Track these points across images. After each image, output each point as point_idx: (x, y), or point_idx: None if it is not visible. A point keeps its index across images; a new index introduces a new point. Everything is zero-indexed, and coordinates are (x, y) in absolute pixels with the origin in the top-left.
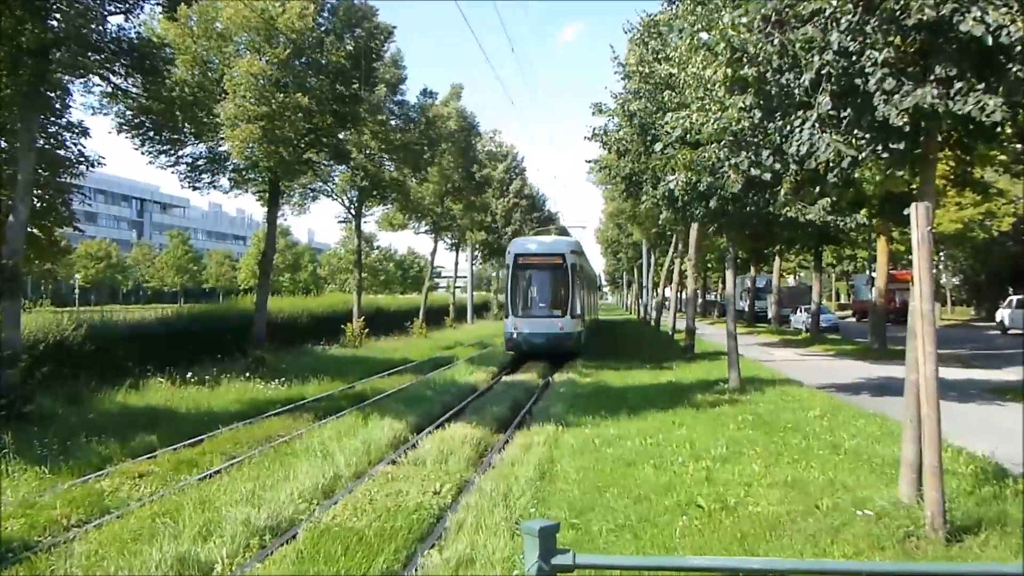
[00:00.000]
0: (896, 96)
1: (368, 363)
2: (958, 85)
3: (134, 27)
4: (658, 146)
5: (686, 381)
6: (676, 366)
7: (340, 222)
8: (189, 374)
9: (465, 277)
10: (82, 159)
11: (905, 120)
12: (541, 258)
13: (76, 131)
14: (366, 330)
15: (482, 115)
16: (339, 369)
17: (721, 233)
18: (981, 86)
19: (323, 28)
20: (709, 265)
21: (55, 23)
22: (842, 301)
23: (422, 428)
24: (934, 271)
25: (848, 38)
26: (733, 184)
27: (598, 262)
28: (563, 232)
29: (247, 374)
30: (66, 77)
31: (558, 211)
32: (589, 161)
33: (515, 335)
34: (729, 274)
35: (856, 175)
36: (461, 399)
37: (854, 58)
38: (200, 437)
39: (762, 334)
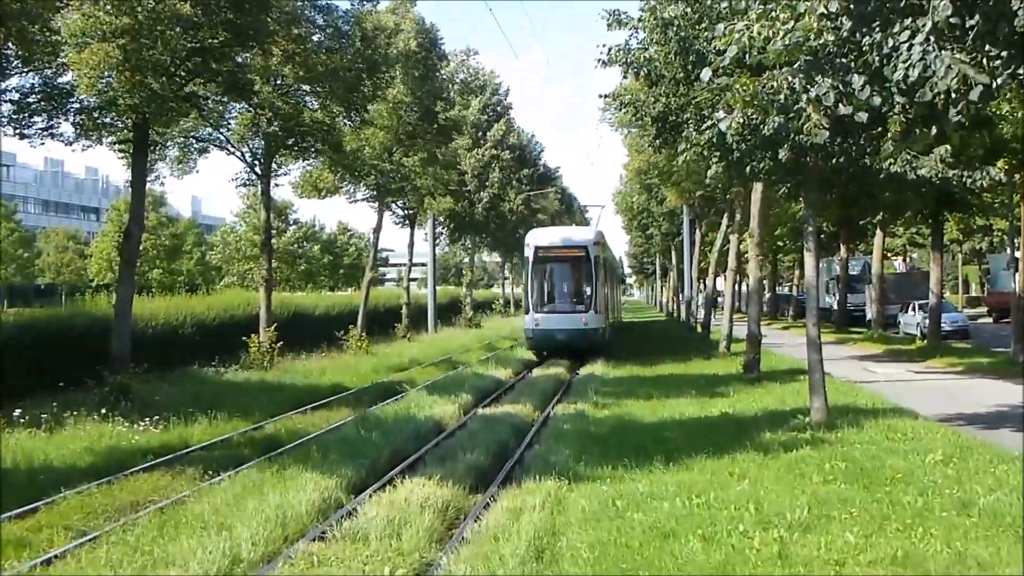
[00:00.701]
0: None
1: (283, 392)
2: None
3: None
4: (705, 72)
5: (748, 412)
6: (733, 390)
7: (240, 186)
8: (16, 412)
9: (424, 264)
10: None
11: None
12: (563, 250)
13: None
14: (279, 344)
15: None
16: (240, 402)
17: (797, 196)
18: None
19: None
20: (780, 244)
21: None
22: (972, 293)
23: (363, 487)
24: None
25: None
26: (812, 126)
27: (619, 243)
28: (567, 201)
29: (103, 410)
30: None
31: (558, 168)
32: (604, 96)
33: (536, 331)
34: (809, 257)
35: (990, 110)
36: (420, 443)
37: None
38: (34, 504)
39: (858, 342)
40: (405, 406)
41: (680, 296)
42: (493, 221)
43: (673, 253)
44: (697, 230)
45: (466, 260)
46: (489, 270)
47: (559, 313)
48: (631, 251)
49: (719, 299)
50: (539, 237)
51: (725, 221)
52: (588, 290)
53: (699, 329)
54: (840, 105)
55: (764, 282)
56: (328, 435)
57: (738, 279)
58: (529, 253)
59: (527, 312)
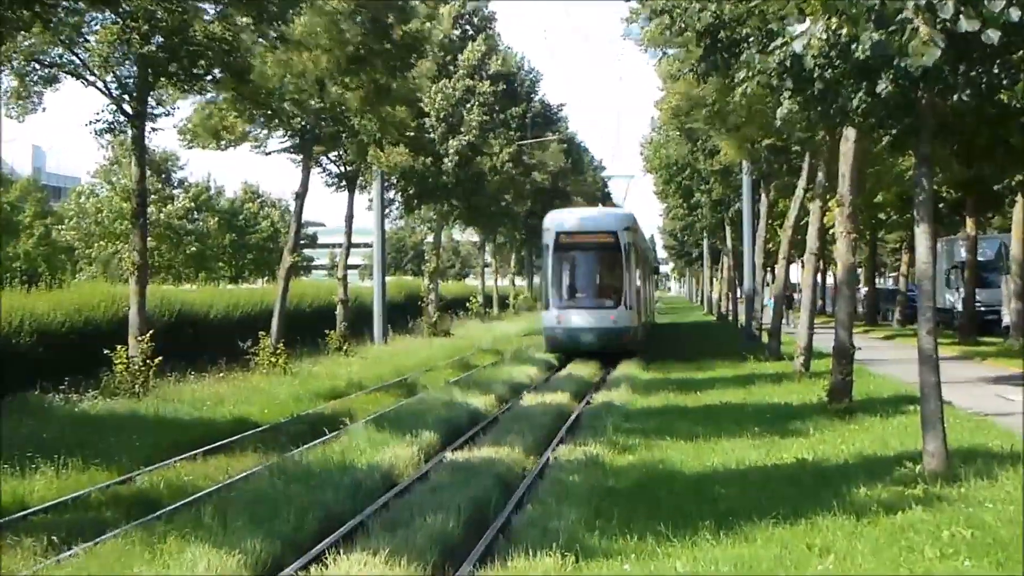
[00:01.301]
0: None
1: (163, 429)
2: None
3: None
4: None
5: (834, 459)
6: (814, 426)
7: (102, 132)
8: None
9: (369, 246)
10: None
11: None
12: (589, 236)
13: None
14: (157, 359)
15: None
16: (101, 443)
17: (905, 148)
18: None
19: None
20: (880, 217)
21: None
22: None
23: (279, 566)
24: None
25: None
26: (922, 46)
27: (649, 217)
28: (577, 154)
29: None
30: None
31: (562, 107)
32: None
33: (558, 330)
34: (922, 235)
35: None
36: (362, 502)
37: None
38: None
39: (991, 358)
40: (341, 450)
41: (737, 291)
42: (468, 183)
43: (727, 230)
44: (762, 196)
45: (429, 240)
46: (462, 254)
47: (584, 309)
48: (667, 227)
49: (794, 296)
50: (560, 220)
51: (802, 183)
52: (618, 283)
53: (765, 338)
54: (962, 18)
55: (858, 272)
56: (229, 491)
57: (821, 267)
58: (549, 239)
59: (546, 308)
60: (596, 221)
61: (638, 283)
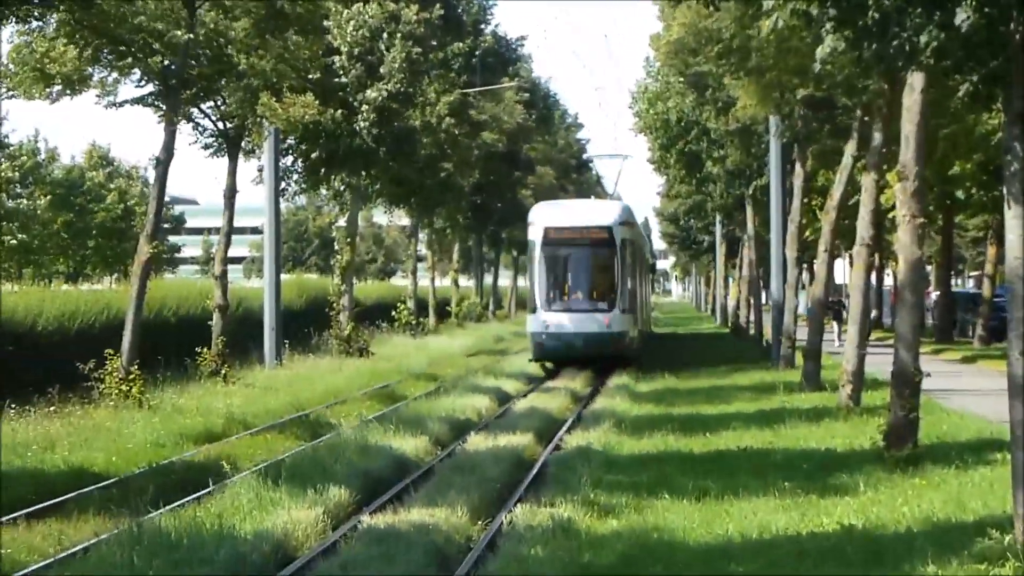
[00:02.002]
0: None
1: None
2: None
3: None
4: None
5: (893, 525)
6: (865, 481)
7: None
8: None
9: (259, 232)
10: None
11: None
12: (580, 232)
13: None
14: None
15: None
16: None
17: (991, 100)
18: None
19: None
20: (958, 196)
21: None
22: None
23: None
24: None
25: None
26: None
27: (643, 197)
28: (547, 106)
29: None
30: None
31: (522, 41)
32: None
33: (545, 336)
34: (1016, 219)
35: None
36: None
37: None
38: None
39: None
40: (218, 512)
41: (760, 295)
42: (393, 146)
43: (748, 212)
44: (796, 166)
45: (341, 224)
46: (387, 244)
47: (576, 312)
48: (665, 209)
49: (842, 302)
50: (548, 215)
51: (851, 149)
52: (613, 283)
53: (799, 360)
54: None
55: (927, 270)
56: (63, 570)
57: (876, 263)
58: (536, 235)
59: (532, 311)
60: (589, 215)
61: (635, 284)
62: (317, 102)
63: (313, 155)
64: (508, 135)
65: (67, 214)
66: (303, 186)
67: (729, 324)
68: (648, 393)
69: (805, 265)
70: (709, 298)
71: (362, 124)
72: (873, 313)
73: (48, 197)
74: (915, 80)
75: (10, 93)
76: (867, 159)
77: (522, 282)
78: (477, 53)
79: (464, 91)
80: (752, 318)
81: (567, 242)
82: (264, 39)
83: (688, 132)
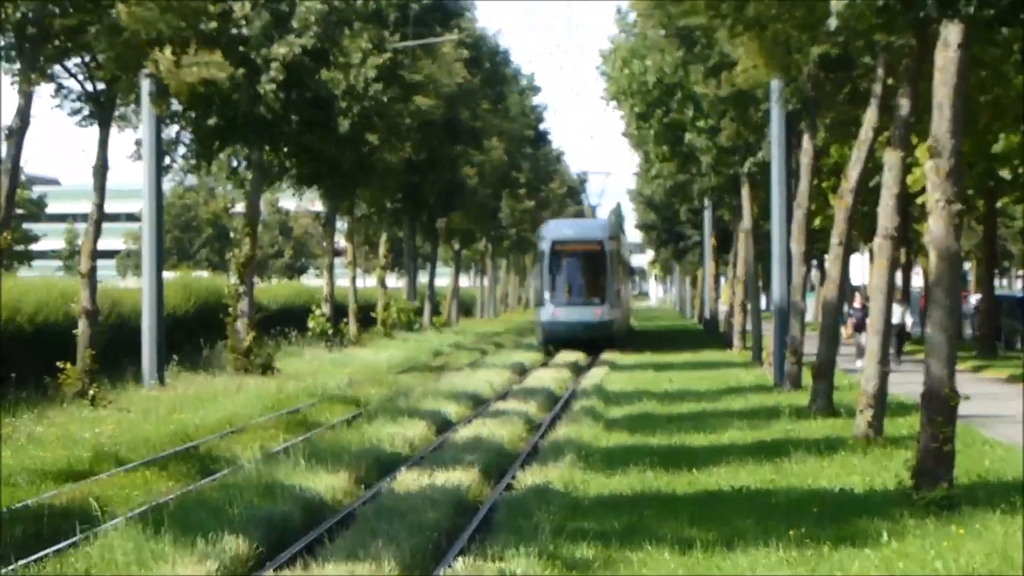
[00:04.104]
0: None
1: None
2: None
3: None
4: None
5: None
6: (889, 526)
7: None
8: None
9: (136, 220)
10: None
11: None
12: (579, 244)
13: None
14: None
15: None
16: None
17: None
18: None
19: None
20: (1000, 178)
21: None
22: None
23: None
24: None
25: None
26: None
27: (617, 187)
28: (490, 71)
29: None
30: None
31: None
32: None
33: (551, 324)
34: None
35: None
36: None
37: None
38: None
39: None
40: (85, 567)
41: (758, 296)
42: (305, 114)
43: (743, 195)
44: (804, 140)
45: (239, 211)
46: (297, 235)
47: (574, 306)
48: (641, 190)
49: (861, 308)
50: (554, 230)
51: (871, 119)
52: (604, 283)
53: (808, 379)
54: None
55: (965, 268)
56: None
57: (903, 260)
58: (545, 246)
59: (539, 305)
60: (585, 231)
61: (620, 284)
62: (215, 60)
63: (205, 123)
64: (447, 100)
65: None
66: (192, 162)
67: (722, 332)
68: (621, 419)
69: (814, 262)
70: (696, 302)
71: (267, 86)
72: (899, 320)
73: None
74: (951, 34)
75: None
76: (891, 131)
77: (466, 281)
78: (416, 3)
79: (395, 46)
80: (746, 326)
81: (569, 252)
82: None
83: (670, 97)
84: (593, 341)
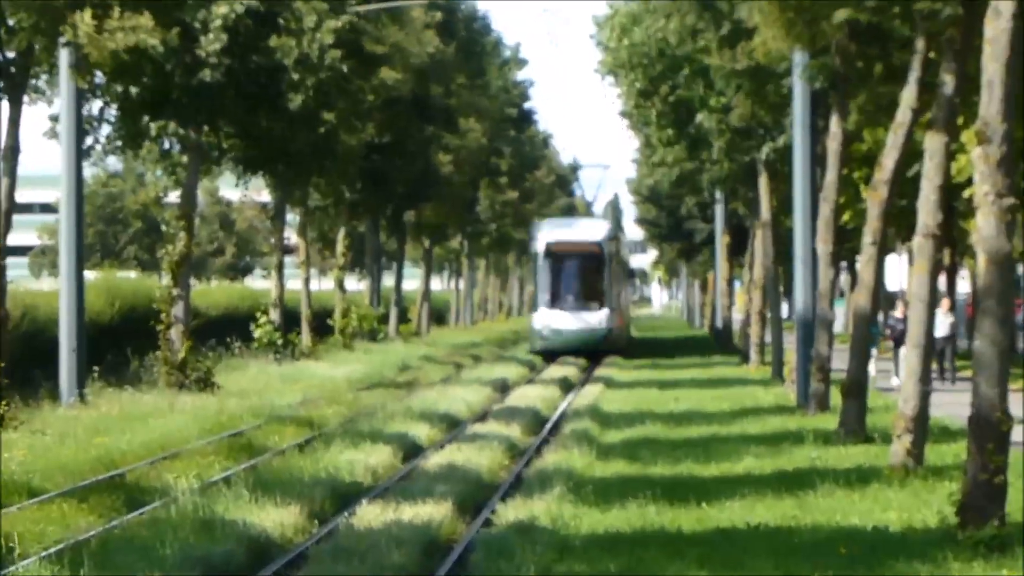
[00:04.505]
0: None
1: None
2: None
3: None
4: None
5: None
6: (932, 571)
7: None
8: None
9: (53, 209)
10: None
11: None
12: (576, 246)
13: None
14: None
15: None
16: None
17: None
18: None
19: None
20: None
21: None
22: None
23: None
24: None
25: None
26: None
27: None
28: (465, 39)
29: None
30: None
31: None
32: None
33: (545, 332)
34: None
35: None
36: None
37: None
38: None
39: None
40: None
41: (778, 303)
42: (250, 86)
43: (761, 186)
44: (832, 122)
45: (173, 200)
46: (240, 228)
47: (571, 311)
48: (641, 180)
49: (903, 318)
50: (549, 232)
51: (910, 99)
52: (603, 288)
53: (837, 399)
54: None
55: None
56: None
57: (948, 260)
58: (539, 248)
59: (533, 310)
60: (582, 233)
61: (619, 288)
62: (148, 24)
63: (133, 97)
64: (416, 73)
65: None
66: (117, 143)
67: (738, 345)
68: (618, 444)
69: (844, 264)
70: (706, 309)
71: (206, 51)
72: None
73: None
74: (1002, 2)
75: None
76: (933, 113)
77: (438, 284)
78: None
79: (356, 9)
80: (762, 337)
81: (565, 254)
82: None
83: (676, 71)
84: (591, 350)
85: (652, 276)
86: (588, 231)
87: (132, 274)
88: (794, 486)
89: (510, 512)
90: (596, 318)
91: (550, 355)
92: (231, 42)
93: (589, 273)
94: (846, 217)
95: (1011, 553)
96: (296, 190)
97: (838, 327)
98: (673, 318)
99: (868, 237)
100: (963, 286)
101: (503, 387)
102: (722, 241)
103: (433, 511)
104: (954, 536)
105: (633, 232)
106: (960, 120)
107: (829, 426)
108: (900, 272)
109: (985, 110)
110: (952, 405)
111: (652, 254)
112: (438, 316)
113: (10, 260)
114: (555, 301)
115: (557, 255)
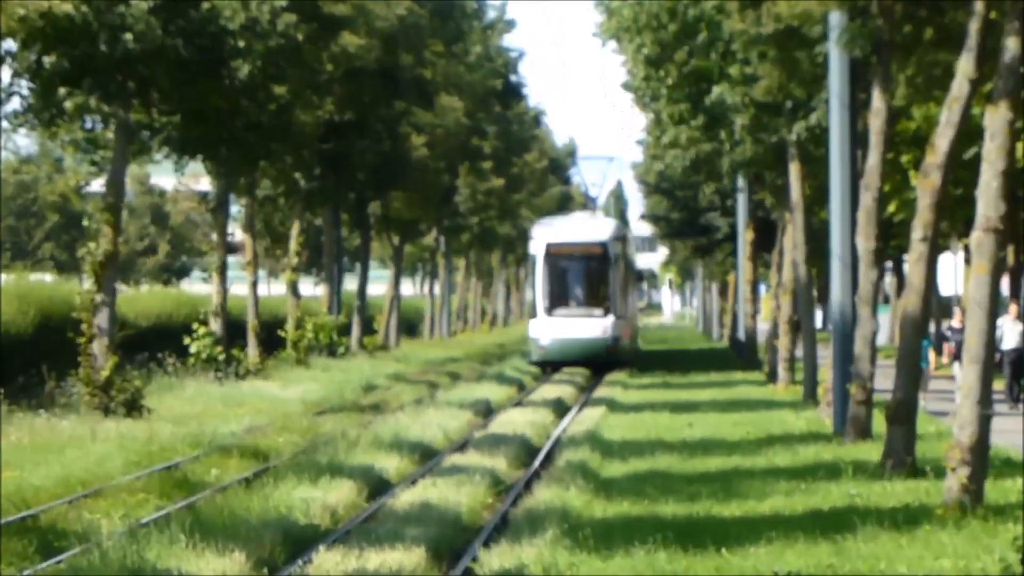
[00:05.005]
0: None
1: None
2: None
3: None
4: None
5: None
6: None
7: None
8: None
9: None
10: None
11: None
12: (579, 247)
13: None
14: None
15: None
16: None
17: None
18: None
19: None
20: None
21: None
22: None
23: None
24: None
25: None
26: None
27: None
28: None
29: None
30: None
31: None
32: None
33: (544, 341)
34: None
35: None
36: None
37: None
38: None
39: None
40: None
41: (811, 311)
42: (189, 54)
43: (790, 172)
44: (874, 95)
45: (96, 189)
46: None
47: (573, 319)
48: (649, 167)
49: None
50: (549, 231)
51: (967, 68)
52: (608, 293)
53: (882, 425)
54: None
55: None
56: None
57: (1012, 259)
58: (538, 249)
59: (534, 317)
60: (586, 232)
61: (626, 293)
62: None
63: (48, 66)
64: (384, 39)
65: None
66: (31, 121)
67: (763, 360)
68: (622, 479)
69: (889, 264)
70: (726, 318)
71: (133, 13)
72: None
73: None
74: None
75: None
76: (994, 84)
77: (410, 288)
78: None
79: None
80: (791, 349)
81: (566, 256)
82: None
83: (691, 35)
84: (595, 360)
85: (662, 278)
86: (592, 230)
87: (48, 277)
88: (830, 528)
89: (494, 560)
90: (601, 326)
91: (550, 366)
92: (163, 3)
93: (593, 276)
94: (892, 208)
95: None
96: (242, 177)
97: (882, 339)
98: (687, 328)
99: (918, 232)
100: None
101: (486, 410)
102: (745, 237)
103: (403, 559)
104: None
105: (639, 227)
106: None
107: (871, 457)
108: (956, 273)
109: None
110: (1017, 433)
111: (662, 253)
112: (409, 326)
113: None
114: (555, 307)
115: (558, 257)
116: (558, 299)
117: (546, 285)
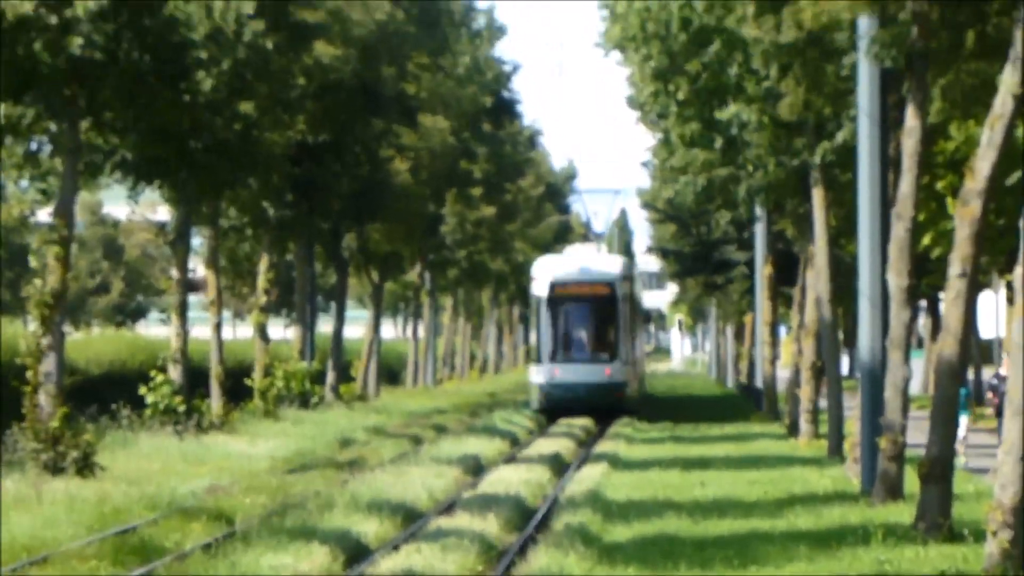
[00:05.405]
0: None
1: None
2: None
3: None
4: None
5: None
6: None
7: None
8: None
9: None
10: None
11: None
12: (583, 286)
13: None
14: None
15: None
16: None
17: None
18: None
19: None
20: None
21: None
22: None
23: None
24: None
25: None
26: None
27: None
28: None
29: None
30: None
31: None
32: None
33: (546, 387)
34: None
35: None
36: None
37: None
38: None
39: None
40: None
41: (837, 355)
42: (144, 67)
43: (813, 199)
44: (909, 111)
45: (43, 220)
46: (131, 259)
47: (577, 363)
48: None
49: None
50: (552, 269)
51: (1012, 82)
52: (614, 336)
53: (915, 483)
54: None
55: None
56: None
57: None
58: (541, 289)
59: (536, 361)
60: (590, 269)
61: (633, 336)
62: None
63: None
64: (362, 50)
65: None
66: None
67: (783, 413)
68: (627, 544)
69: (924, 303)
70: (742, 363)
71: (77, 14)
72: None
73: None
74: None
75: None
76: None
77: (391, 330)
78: None
79: None
80: (813, 398)
81: (571, 297)
82: None
83: (703, 45)
84: (600, 407)
85: (671, 319)
86: (598, 268)
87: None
88: None
89: None
90: (606, 371)
91: (553, 413)
92: (116, 6)
93: (599, 318)
94: (927, 240)
95: None
96: (204, 205)
97: (915, 387)
98: (698, 375)
99: (956, 267)
100: None
101: (476, 467)
102: (763, 273)
103: None
104: None
105: (645, 260)
106: None
107: (903, 519)
108: (998, 314)
109: None
110: None
111: (671, 290)
112: (390, 373)
113: None
114: (559, 351)
115: (562, 298)
116: (562, 342)
117: (549, 327)
